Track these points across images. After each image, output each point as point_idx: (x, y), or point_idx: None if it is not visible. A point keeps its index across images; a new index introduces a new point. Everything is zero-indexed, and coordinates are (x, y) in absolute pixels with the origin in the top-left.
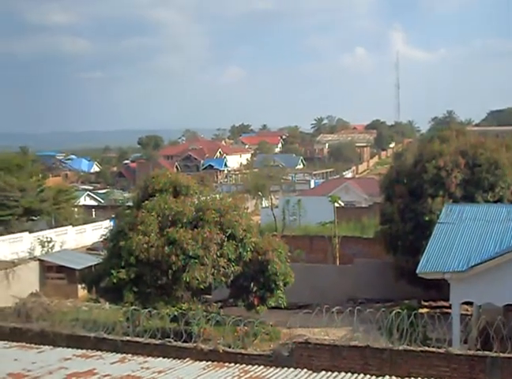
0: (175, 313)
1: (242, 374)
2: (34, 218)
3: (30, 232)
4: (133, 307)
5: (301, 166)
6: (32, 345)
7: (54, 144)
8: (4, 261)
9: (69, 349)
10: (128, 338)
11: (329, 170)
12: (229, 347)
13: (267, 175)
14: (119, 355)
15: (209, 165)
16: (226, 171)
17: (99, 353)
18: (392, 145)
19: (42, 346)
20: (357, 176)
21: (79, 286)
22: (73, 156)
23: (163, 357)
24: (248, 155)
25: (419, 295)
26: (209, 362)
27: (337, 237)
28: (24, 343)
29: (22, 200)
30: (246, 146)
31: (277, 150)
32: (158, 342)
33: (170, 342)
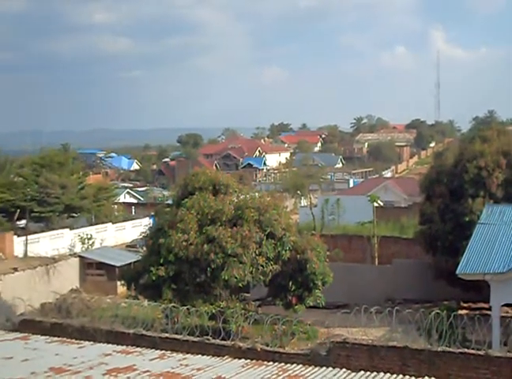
0: (214, 311)
1: (280, 373)
2: (74, 215)
3: (70, 229)
4: (172, 304)
5: (340, 165)
6: (73, 340)
7: (95, 142)
8: (45, 257)
9: (109, 345)
10: (166, 335)
11: (368, 169)
12: (267, 346)
13: (306, 174)
14: (159, 352)
15: (248, 164)
16: (265, 170)
17: (138, 349)
18: (432, 145)
19: (82, 341)
20: (396, 176)
21: (118, 282)
22: (113, 154)
23: (202, 354)
24: (287, 154)
25: (458, 296)
26: (248, 360)
27: (376, 237)
28: (64, 339)
29: (63, 197)
30: (286, 145)
31: (316, 149)
32: (196, 339)
33: (208, 339)
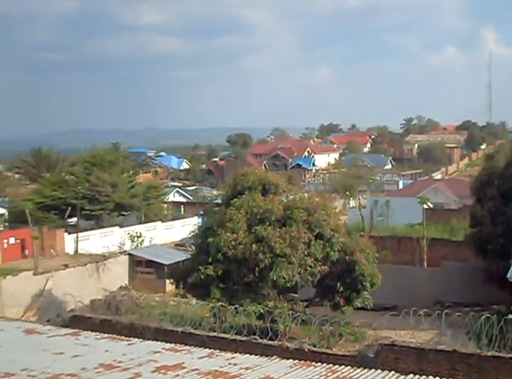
0: (261, 311)
1: (329, 374)
2: (124, 213)
3: (120, 227)
4: (220, 303)
5: (389, 166)
6: (122, 337)
7: (145, 141)
8: (95, 255)
9: (158, 342)
10: (214, 334)
11: (417, 171)
12: (314, 347)
13: (355, 175)
14: (207, 350)
15: (297, 164)
16: (314, 170)
17: (187, 347)
18: (483, 147)
19: (131, 338)
20: (446, 177)
21: (167, 281)
22: (163, 153)
23: (249, 354)
24: (336, 155)
25: (509, 301)
26: (296, 361)
27: (425, 239)
28: (114, 335)
29: (114, 195)
30: (335, 145)
31: (366, 150)
32: (244, 338)
33: (255, 339)
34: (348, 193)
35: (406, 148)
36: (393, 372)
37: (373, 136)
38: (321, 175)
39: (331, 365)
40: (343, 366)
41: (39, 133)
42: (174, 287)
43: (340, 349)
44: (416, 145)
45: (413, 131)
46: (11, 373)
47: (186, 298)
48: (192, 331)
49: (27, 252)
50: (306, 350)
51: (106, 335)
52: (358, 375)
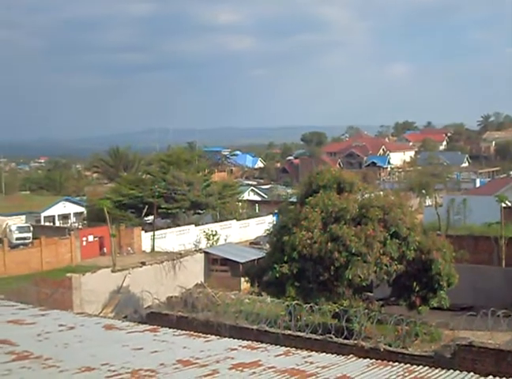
0: (337, 310)
1: (406, 374)
2: (200, 211)
3: (196, 225)
4: (295, 302)
5: (466, 164)
6: (200, 334)
7: (221, 139)
8: (171, 252)
9: (235, 340)
10: (289, 332)
11: (495, 168)
12: (390, 346)
13: (431, 173)
14: (283, 348)
15: (372, 162)
16: (389, 169)
17: (263, 345)
18: None
19: (208, 335)
20: None
21: (242, 279)
22: (238, 152)
23: (324, 352)
24: (412, 153)
25: None
26: (373, 360)
27: (504, 238)
28: (191, 332)
29: (189, 194)
30: (410, 143)
31: (442, 148)
32: (319, 337)
33: (331, 338)
34: (423, 191)
35: (483, 146)
36: (471, 373)
37: (449, 134)
38: (397, 173)
39: (408, 365)
40: (420, 367)
41: (116, 132)
42: (249, 285)
43: (416, 349)
44: (494, 143)
45: (490, 128)
46: (92, 368)
47: (261, 296)
48: (267, 329)
49: (105, 249)
50: (382, 349)
51: (183, 331)
52: (436, 376)
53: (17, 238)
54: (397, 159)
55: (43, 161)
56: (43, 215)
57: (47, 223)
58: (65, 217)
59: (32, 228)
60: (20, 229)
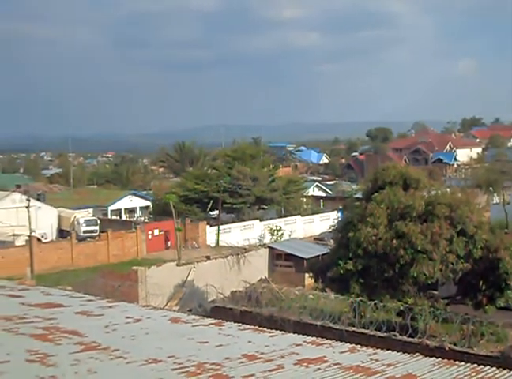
0: (401, 307)
1: (473, 374)
2: (265, 207)
3: (260, 220)
4: (360, 298)
5: None
6: (264, 329)
7: (286, 135)
8: (235, 247)
9: (299, 335)
10: (353, 329)
11: None
12: (455, 345)
13: (499, 170)
14: (348, 345)
15: (438, 158)
16: (455, 165)
17: (328, 341)
18: None
19: (273, 330)
20: None
21: (306, 274)
22: (302, 148)
23: (388, 350)
24: (479, 150)
25: None
26: (438, 359)
27: None
28: (256, 327)
29: (254, 189)
30: (477, 140)
31: (510, 144)
32: (383, 335)
33: (395, 335)
34: (491, 188)
35: None
36: None
37: None
38: (463, 170)
39: (475, 365)
40: (487, 367)
41: (180, 128)
42: (313, 280)
43: (482, 349)
44: None
45: None
46: (158, 360)
47: (325, 292)
48: (331, 325)
49: (170, 243)
50: (447, 348)
51: (248, 326)
52: (504, 377)
53: (85, 231)
54: (464, 155)
55: (110, 156)
56: (110, 208)
57: (114, 217)
58: (131, 211)
59: (99, 221)
60: (88, 222)
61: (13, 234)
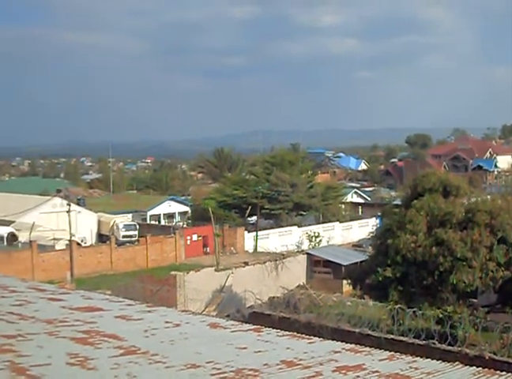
0: (440, 315)
1: None
2: (303, 213)
3: (299, 226)
4: (398, 306)
5: None
6: (303, 335)
7: (325, 141)
8: (273, 253)
9: (338, 342)
10: (392, 336)
11: None
12: (495, 355)
13: None
14: (387, 353)
15: (478, 165)
16: (496, 172)
17: (367, 349)
18: None
19: (312, 337)
20: None
21: (344, 281)
22: (341, 154)
23: (428, 358)
24: None
25: None
26: (479, 368)
27: None
28: (294, 333)
29: (293, 195)
30: None
31: None
32: (422, 342)
33: (434, 344)
34: None
35: None
36: None
37: None
38: (504, 177)
39: None
40: None
41: (219, 134)
42: (351, 287)
43: None
44: None
45: None
46: (197, 365)
47: (363, 299)
48: (369, 332)
49: (208, 249)
50: (487, 357)
51: (287, 332)
52: None
53: (124, 236)
54: (505, 162)
55: (149, 161)
56: (149, 213)
57: (153, 222)
58: (170, 216)
59: (138, 226)
60: (127, 227)
61: (54, 238)
